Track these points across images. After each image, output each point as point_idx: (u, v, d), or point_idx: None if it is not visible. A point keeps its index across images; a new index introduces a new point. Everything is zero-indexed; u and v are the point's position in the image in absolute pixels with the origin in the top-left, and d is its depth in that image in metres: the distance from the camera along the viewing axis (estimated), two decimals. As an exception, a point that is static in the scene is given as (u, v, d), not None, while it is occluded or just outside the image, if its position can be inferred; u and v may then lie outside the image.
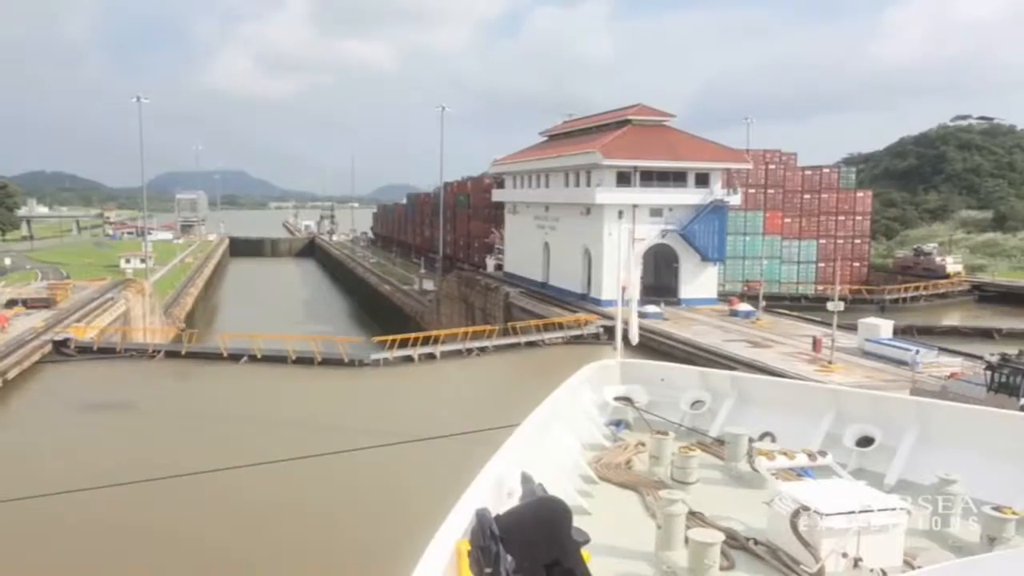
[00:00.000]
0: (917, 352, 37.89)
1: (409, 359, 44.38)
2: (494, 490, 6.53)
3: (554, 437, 8.77)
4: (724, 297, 60.23)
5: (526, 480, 6.65)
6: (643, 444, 9.47)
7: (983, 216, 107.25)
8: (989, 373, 27.65)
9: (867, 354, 42.01)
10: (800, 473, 8.25)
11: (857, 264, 73.92)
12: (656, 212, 58.67)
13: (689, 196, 58.54)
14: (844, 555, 6.13)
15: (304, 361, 43.56)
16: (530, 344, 48.48)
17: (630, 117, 62.69)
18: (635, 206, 57.92)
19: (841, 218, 73.05)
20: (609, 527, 6.91)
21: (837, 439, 9.20)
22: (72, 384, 40.64)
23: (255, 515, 22.15)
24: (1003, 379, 27.03)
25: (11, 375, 39.01)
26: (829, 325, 42.40)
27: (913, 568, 6.14)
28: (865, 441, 9.10)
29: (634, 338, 11.71)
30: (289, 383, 41.23)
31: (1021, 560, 5.88)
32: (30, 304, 55.93)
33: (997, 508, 6.78)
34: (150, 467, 21.83)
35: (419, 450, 27.97)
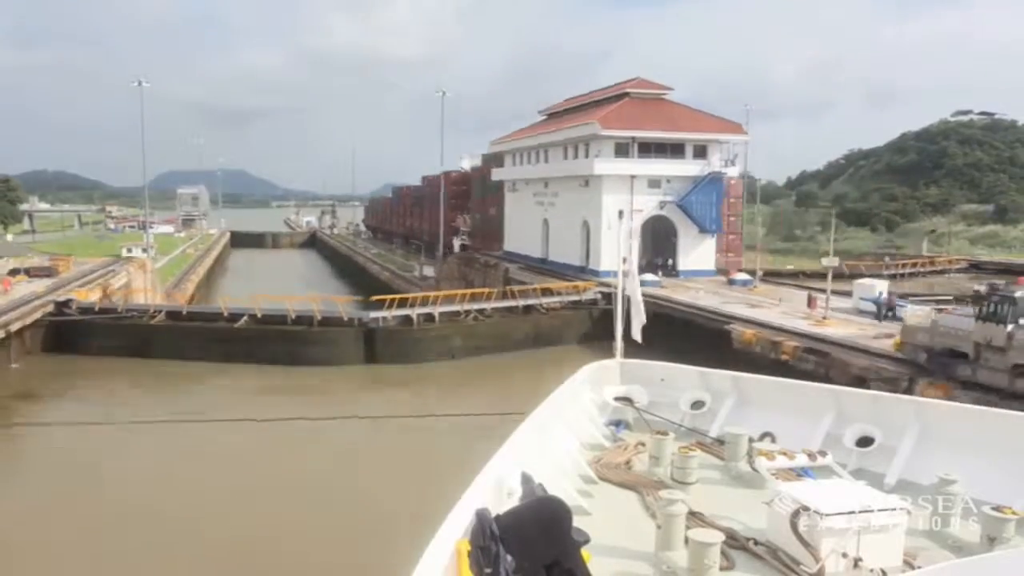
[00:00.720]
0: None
1: (408, 320, 44.63)
2: (494, 490, 6.53)
3: (554, 437, 8.78)
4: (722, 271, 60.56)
5: (526, 480, 6.67)
6: (643, 444, 9.45)
7: (984, 209, 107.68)
8: (979, 303, 27.83)
9: (862, 312, 42.42)
10: (800, 473, 8.25)
11: (732, 236, 73.21)
12: (654, 183, 58.93)
13: (687, 167, 58.80)
14: (844, 555, 6.13)
15: (304, 320, 43.85)
16: (527, 309, 48.80)
17: (628, 90, 62.78)
18: (633, 177, 58.35)
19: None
20: (609, 527, 6.93)
21: (837, 439, 9.20)
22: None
23: (249, 517, 21.33)
24: (992, 308, 27.15)
25: (14, 327, 39.38)
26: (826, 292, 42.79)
27: (913, 568, 6.14)
28: (865, 441, 9.11)
29: (637, 333, 11.69)
30: (272, 392, 38.10)
31: (1021, 560, 5.85)
32: (32, 272, 56.32)
33: (997, 508, 6.77)
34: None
35: (418, 450, 27.85)
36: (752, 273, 57.14)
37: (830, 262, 41.00)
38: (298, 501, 22.64)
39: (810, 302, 42.30)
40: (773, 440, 9.39)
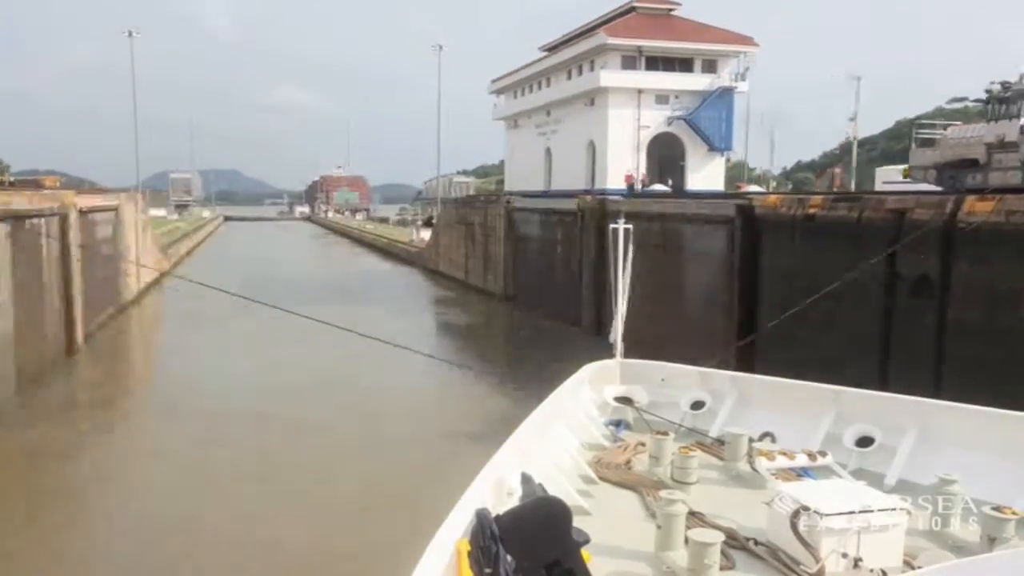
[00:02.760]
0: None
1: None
2: (494, 490, 6.56)
3: (554, 437, 8.78)
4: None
5: (526, 480, 6.70)
6: (643, 444, 9.38)
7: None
8: (990, 104, 26.61)
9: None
10: (800, 473, 8.26)
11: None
12: (662, 99, 57.34)
13: (696, 81, 57.15)
14: (844, 555, 6.13)
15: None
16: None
17: (635, 5, 61.12)
18: (640, 91, 56.80)
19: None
20: (609, 527, 6.96)
21: (837, 439, 9.19)
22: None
23: (244, 517, 19.82)
24: (1004, 105, 25.84)
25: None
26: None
27: (913, 568, 6.12)
28: (865, 441, 9.08)
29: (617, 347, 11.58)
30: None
31: (1021, 560, 5.83)
32: (18, 185, 56.07)
33: (997, 508, 6.72)
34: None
35: (417, 446, 26.17)
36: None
37: (853, 130, 39.44)
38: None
39: (832, 179, 40.74)
40: (773, 440, 9.37)
